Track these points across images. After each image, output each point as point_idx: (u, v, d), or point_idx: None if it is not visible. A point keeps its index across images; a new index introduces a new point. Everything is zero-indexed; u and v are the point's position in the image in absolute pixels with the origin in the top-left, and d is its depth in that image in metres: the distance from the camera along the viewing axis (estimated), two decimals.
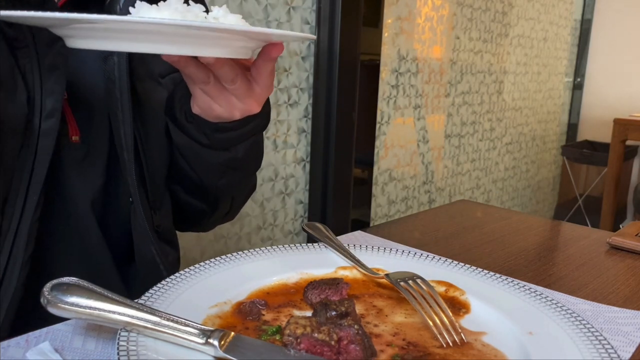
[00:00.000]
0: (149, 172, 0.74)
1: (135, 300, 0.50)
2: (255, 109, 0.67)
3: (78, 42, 0.52)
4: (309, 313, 0.56)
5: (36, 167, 0.62)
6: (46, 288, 0.47)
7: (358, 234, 0.86)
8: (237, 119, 0.67)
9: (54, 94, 0.63)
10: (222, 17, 0.53)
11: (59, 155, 0.68)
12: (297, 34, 0.55)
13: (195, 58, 0.58)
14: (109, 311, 0.47)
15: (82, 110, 0.70)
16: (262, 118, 0.72)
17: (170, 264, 0.78)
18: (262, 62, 0.61)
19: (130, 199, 0.73)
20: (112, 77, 0.70)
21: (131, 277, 0.78)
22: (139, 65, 0.73)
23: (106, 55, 0.70)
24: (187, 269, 0.61)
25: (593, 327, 0.53)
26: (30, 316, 0.64)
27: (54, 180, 0.68)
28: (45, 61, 0.63)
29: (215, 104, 0.65)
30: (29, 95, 0.62)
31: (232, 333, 0.47)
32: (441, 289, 0.62)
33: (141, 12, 0.51)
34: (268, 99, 0.72)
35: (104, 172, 0.73)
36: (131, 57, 0.71)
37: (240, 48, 0.55)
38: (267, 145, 1.78)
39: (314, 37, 0.54)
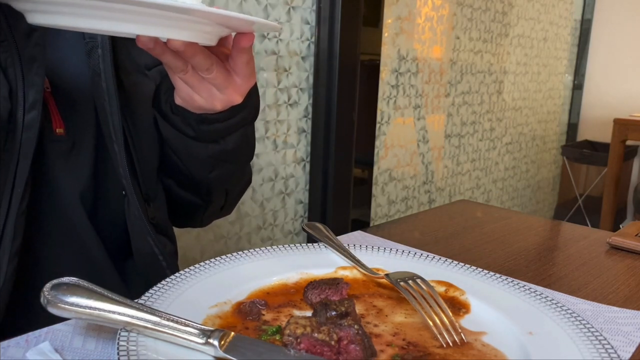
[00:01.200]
0: (139, 164, 0.74)
1: (135, 300, 0.50)
2: (237, 99, 0.67)
3: (38, 17, 0.52)
4: (309, 313, 0.56)
5: (21, 160, 0.63)
6: (46, 288, 0.47)
7: (358, 234, 0.86)
8: (220, 110, 0.68)
9: (34, 86, 0.63)
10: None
11: (44, 148, 0.67)
12: (259, 19, 0.55)
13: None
14: (109, 311, 0.47)
15: (67, 103, 0.70)
16: (250, 110, 0.72)
17: (169, 254, 0.78)
18: (236, 53, 0.62)
19: (123, 191, 0.73)
20: (97, 69, 0.70)
21: (129, 273, 0.77)
22: (125, 58, 0.73)
23: (90, 49, 0.70)
24: (187, 269, 0.61)
25: (593, 327, 0.53)
26: (23, 309, 0.64)
27: (40, 174, 0.67)
28: (25, 53, 0.63)
29: (196, 94, 0.65)
30: (10, 88, 0.62)
31: (232, 333, 0.47)
32: (441, 289, 0.62)
33: None
34: (257, 91, 0.72)
35: (92, 165, 0.73)
36: (116, 50, 0.72)
37: (203, 33, 0.56)
38: (267, 145, 1.78)
39: (280, 26, 0.54)
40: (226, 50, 0.64)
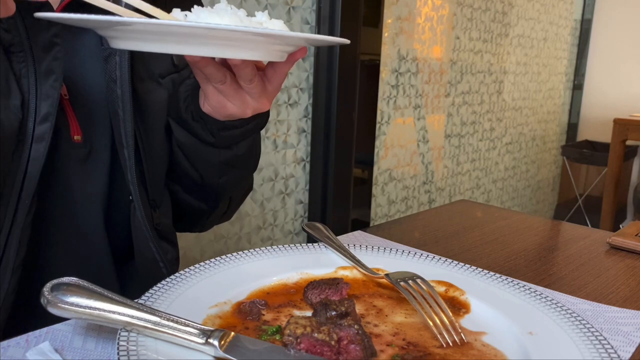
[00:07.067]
0: (148, 170, 0.75)
1: (136, 300, 0.50)
2: (267, 106, 0.68)
3: (121, 43, 0.52)
4: (309, 313, 0.56)
5: (29, 173, 0.62)
6: (46, 288, 0.47)
7: (358, 234, 0.86)
8: (249, 116, 0.68)
9: (49, 99, 0.63)
10: (266, 22, 0.54)
11: (61, 155, 0.68)
12: (335, 38, 0.57)
13: (214, 58, 0.59)
14: (109, 311, 0.47)
15: (84, 110, 0.71)
16: (264, 115, 0.73)
17: (170, 261, 0.79)
18: (285, 64, 0.62)
19: (130, 196, 0.73)
20: (113, 76, 0.70)
21: (128, 276, 0.78)
22: (139, 66, 0.73)
23: (107, 55, 0.70)
24: (187, 269, 0.61)
25: (593, 327, 0.53)
26: (26, 312, 0.63)
27: (55, 181, 0.68)
28: (42, 66, 0.62)
29: (229, 103, 0.66)
30: (23, 99, 0.62)
31: (232, 333, 0.47)
32: (441, 289, 0.62)
33: (201, 17, 0.51)
34: None
35: (108, 170, 0.73)
36: (132, 57, 0.72)
37: (278, 52, 0.57)
38: (267, 145, 1.78)
39: (348, 41, 0.56)
40: (260, 64, 0.65)
